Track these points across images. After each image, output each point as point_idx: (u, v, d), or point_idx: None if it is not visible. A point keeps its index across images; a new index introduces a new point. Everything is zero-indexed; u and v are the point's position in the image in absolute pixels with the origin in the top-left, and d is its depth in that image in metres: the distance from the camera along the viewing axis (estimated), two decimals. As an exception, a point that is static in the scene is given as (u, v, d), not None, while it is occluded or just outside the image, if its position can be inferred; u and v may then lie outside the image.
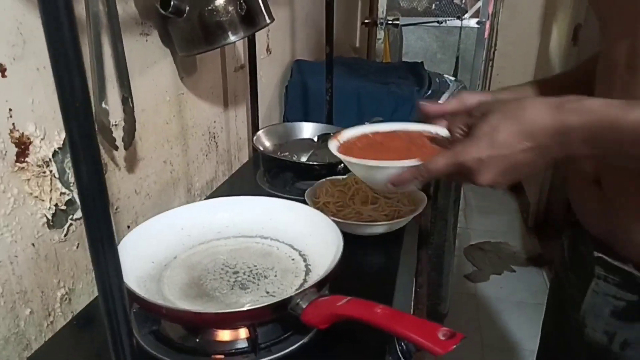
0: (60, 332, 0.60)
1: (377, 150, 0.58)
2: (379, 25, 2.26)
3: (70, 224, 0.65)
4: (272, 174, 0.99)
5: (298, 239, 0.65)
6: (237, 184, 1.03)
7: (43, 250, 0.61)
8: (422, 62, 1.71)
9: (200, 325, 0.51)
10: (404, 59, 2.84)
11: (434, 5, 3.47)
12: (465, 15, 2.88)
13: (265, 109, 1.35)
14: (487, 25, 2.78)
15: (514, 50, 2.84)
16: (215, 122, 1.06)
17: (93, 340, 0.58)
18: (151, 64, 0.81)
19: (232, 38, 0.79)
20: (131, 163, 0.78)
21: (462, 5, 3.22)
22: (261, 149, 1.02)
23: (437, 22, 2.91)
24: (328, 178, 0.85)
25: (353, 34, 2.70)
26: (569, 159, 0.51)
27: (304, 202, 0.77)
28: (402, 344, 0.54)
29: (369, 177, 0.58)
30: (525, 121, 0.46)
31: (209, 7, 0.76)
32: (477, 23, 2.83)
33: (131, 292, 0.48)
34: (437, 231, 1.58)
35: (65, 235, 0.64)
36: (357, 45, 2.77)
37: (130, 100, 0.66)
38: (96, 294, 0.68)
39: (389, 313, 0.41)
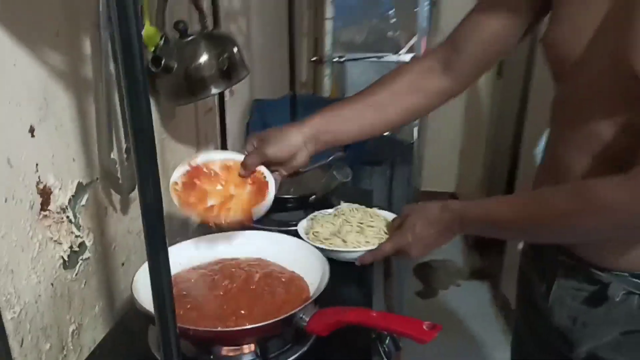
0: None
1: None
2: (326, 63, 2.42)
3: (80, 264, 0.71)
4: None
5: (286, 264, 0.75)
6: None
7: (59, 289, 0.67)
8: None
9: (217, 341, 0.60)
10: (348, 92, 3.03)
11: (371, 39, 3.72)
12: (402, 51, 3.13)
13: (229, 147, 1.44)
14: (422, 60, 3.04)
15: (447, 82, 3.11)
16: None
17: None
18: (139, 114, 0.89)
19: (214, 90, 0.89)
20: (125, 205, 0.85)
21: (395, 39, 3.48)
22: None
23: (377, 57, 3.14)
24: (318, 212, 0.95)
25: (300, 69, 2.86)
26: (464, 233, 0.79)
27: (281, 232, 0.86)
28: (385, 345, 0.65)
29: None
30: (429, 217, 0.76)
31: (195, 64, 0.86)
32: (413, 58, 3.08)
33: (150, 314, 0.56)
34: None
35: (76, 274, 0.70)
36: (304, 80, 2.92)
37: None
38: (100, 329, 0.74)
39: (382, 315, 0.52)
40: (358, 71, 3.16)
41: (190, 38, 0.87)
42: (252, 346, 0.62)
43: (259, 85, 1.73)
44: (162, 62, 0.82)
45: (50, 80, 0.63)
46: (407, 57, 3.11)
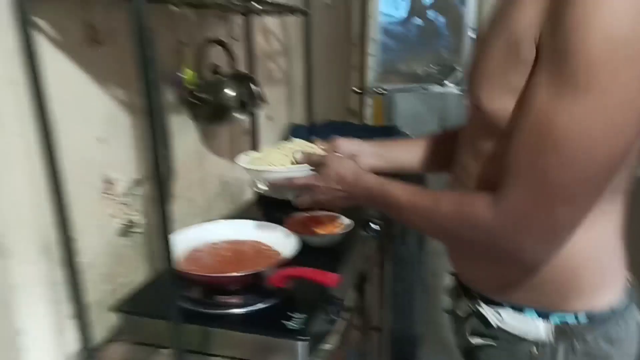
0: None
1: None
2: (366, 94, 2.68)
3: (132, 236, 1.02)
4: (268, 208, 1.36)
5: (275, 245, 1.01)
6: (241, 216, 1.40)
7: (115, 250, 0.97)
8: (395, 125, 2.11)
9: (210, 286, 0.86)
10: (396, 121, 3.25)
11: (436, 69, 3.89)
12: (447, 82, 3.31)
13: (266, 163, 1.74)
14: (466, 91, 3.19)
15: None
16: (226, 172, 1.44)
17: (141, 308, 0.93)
18: (183, 131, 1.20)
19: (238, 117, 1.19)
20: (171, 200, 1.15)
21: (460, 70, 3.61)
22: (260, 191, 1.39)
23: (423, 88, 3.34)
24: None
25: (348, 98, 3.14)
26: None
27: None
28: (334, 306, 0.88)
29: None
30: (343, 178, 0.83)
31: (223, 97, 1.16)
32: (460, 90, 3.24)
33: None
34: (406, 271, 1.90)
35: (128, 242, 1.01)
36: (352, 107, 3.20)
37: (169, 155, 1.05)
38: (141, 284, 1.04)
39: (312, 270, 0.76)
40: (406, 101, 3.38)
41: (220, 77, 1.18)
42: (239, 297, 0.88)
43: (297, 112, 2.03)
44: (197, 95, 1.13)
45: (112, 103, 0.95)
46: (451, 88, 3.29)
